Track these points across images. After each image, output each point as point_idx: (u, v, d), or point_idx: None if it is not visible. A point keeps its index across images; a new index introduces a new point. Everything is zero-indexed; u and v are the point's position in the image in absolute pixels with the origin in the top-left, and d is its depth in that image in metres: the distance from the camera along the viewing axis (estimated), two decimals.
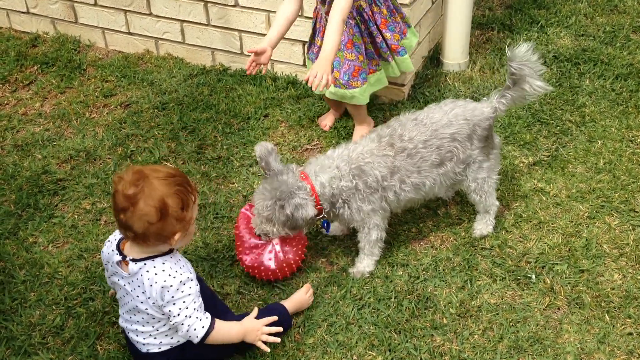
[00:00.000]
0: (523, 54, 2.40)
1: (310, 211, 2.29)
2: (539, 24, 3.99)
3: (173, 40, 3.84)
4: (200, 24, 3.70)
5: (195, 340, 2.02)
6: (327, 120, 3.25)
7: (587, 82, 3.49)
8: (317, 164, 2.42)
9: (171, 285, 1.95)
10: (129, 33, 3.94)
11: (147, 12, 3.80)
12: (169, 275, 1.97)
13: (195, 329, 2.00)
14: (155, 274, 1.98)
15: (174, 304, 1.96)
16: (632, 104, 3.32)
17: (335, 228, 2.69)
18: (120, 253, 2.04)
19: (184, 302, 1.97)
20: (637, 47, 3.76)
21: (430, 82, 3.50)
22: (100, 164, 3.13)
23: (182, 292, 1.96)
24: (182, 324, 1.98)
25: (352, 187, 2.36)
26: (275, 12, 3.41)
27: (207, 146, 3.20)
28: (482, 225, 2.61)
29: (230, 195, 2.91)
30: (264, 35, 3.53)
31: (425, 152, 2.38)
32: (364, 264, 2.52)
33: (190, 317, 1.98)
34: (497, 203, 2.61)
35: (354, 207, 2.39)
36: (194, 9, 3.66)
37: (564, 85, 3.46)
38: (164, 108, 3.47)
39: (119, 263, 2.04)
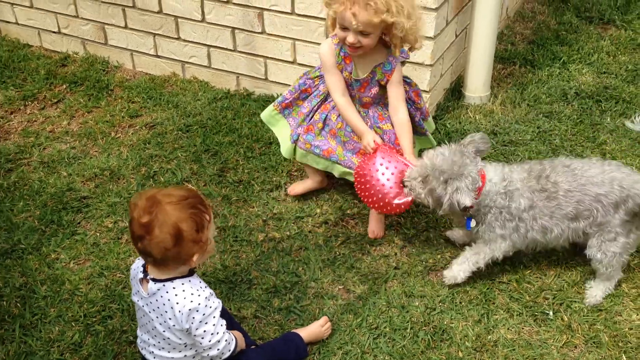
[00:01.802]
0: None
1: (467, 201, 2.31)
2: (561, 60, 4.02)
3: (199, 64, 3.92)
4: (226, 49, 3.77)
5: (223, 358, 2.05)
6: (300, 187, 3.08)
7: (609, 119, 3.50)
8: (496, 171, 2.43)
9: (199, 304, 1.97)
10: (157, 56, 4.02)
11: (176, 37, 3.88)
12: (192, 294, 1.99)
13: (223, 352, 2.02)
14: (176, 295, 2.00)
15: (206, 323, 1.98)
16: None
17: (459, 236, 2.73)
18: (144, 271, 2.07)
19: (213, 321, 1.99)
20: None
21: (451, 114, 3.53)
22: (124, 183, 3.18)
23: (210, 307, 1.98)
24: (211, 348, 2.01)
25: (503, 206, 2.39)
26: (301, 40, 3.48)
27: (229, 169, 3.24)
28: (599, 292, 2.49)
29: (249, 219, 2.95)
30: (289, 62, 3.60)
31: (563, 200, 2.37)
32: (458, 268, 2.53)
33: (219, 341, 2.01)
34: (621, 274, 2.51)
35: (490, 224, 2.43)
36: (221, 35, 3.73)
37: (585, 122, 3.47)
38: (188, 130, 3.53)
39: (140, 281, 2.07)
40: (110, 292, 2.60)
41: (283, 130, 2.92)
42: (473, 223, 2.46)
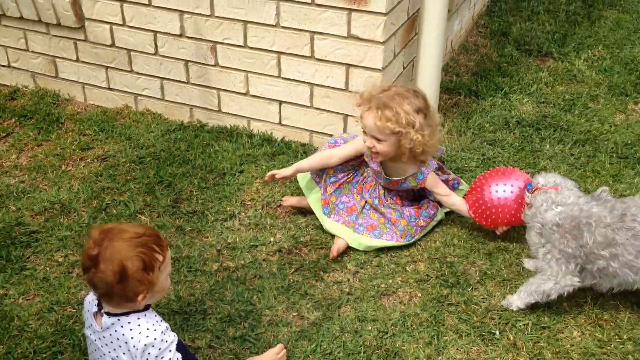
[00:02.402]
0: None
1: (549, 215, 2.48)
2: (503, 91, 4.20)
3: (152, 96, 3.95)
4: (180, 81, 3.82)
5: None
6: (294, 200, 3.22)
7: (548, 146, 3.67)
8: (571, 192, 2.53)
9: (154, 339, 1.97)
10: (109, 88, 4.04)
11: (128, 69, 3.91)
12: (147, 329, 2.00)
13: None
14: (131, 330, 1.99)
15: (162, 357, 1.98)
16: (589, 168, 3.49)
17: (532, 264, 2.79)
18: (99, 304, 2.07)
19: (169, 355, 1.99)
20: (594, 115, 3.97)
21: None
22: (75, 216, 3.17)
23: (166, 342, 1.99)
24: None
25: (558, 224, 2.47)
26: (254, 72, 3.56)
27: (183, 200, 3.26)
28: None
29: (204, 249, 2.97)
30: (242, 94, 3.67)
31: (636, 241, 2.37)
32: (513, 298, 2.60)
33: None
34: None
35: (552, 252, 2.49)
36: (175, 68, 3.78)
37: (526, 149, 3.63)
38: (141, 162, 3.54)
39: (94, 314, 2.07)
40: (60, 328, 2.58)
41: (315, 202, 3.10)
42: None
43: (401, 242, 2.90)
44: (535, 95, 4.18)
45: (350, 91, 3.40)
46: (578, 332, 2.54)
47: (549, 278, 2.49)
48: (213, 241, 3.01)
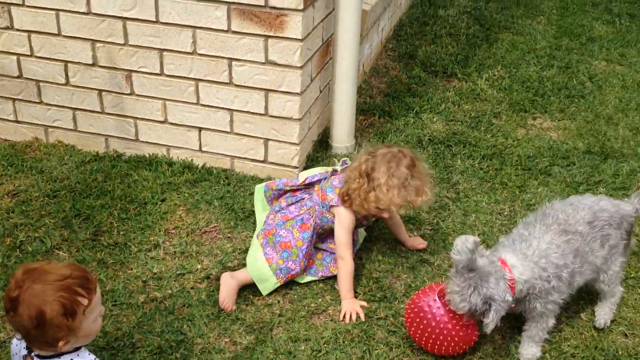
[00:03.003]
0: None
1: (509, 297, 2.31)
2: (414, 110, 4.38)
3: (64, 127, 3.84)
4: (93, 111, 3.74)
5: None
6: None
7: (459, 162, 3.86)
8: (516, 255, 2.39)
9: None
10: (17, 121, 3.89)
11: (38, 101, 3.79)
12: None
13: None
14: None
15: None
16: (497, 180, 3.70)
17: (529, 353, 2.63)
18: (28, 346, 1.99)
19: None
20: (498, 131, 4.21)
21: (320, 164, 3.72)
22: None
23: None
24: None
25: (550, 287, 2.39)
26: (171, 99, 3.55)
27: (103, 233, 3.19)
28: (607, 312, 2.67)
29: (128, 281, 2.91)
30: (160, 122, 3.64)
31: (592, 232, 2.49)
32: (534, 350, 2.53)
33: None
34: (622, 289, 2.73)
35: (542, 300, 2.41)
36: (88, 97, 3.70)
37: (440, 165, 3.80)
38: (55, 196, 3.43)
39: (24, 357, 1.99)
40: None
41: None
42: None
43: (335, 272, 2.93)
44: (444, 114, 4.38)
45: (270, 116, 3.45)
46: (499, 335, 2.68)
47: (551, 317, 2.52)
48: (138, 272, 2.96)
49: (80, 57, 3.61)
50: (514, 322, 2.68)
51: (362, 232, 3.18)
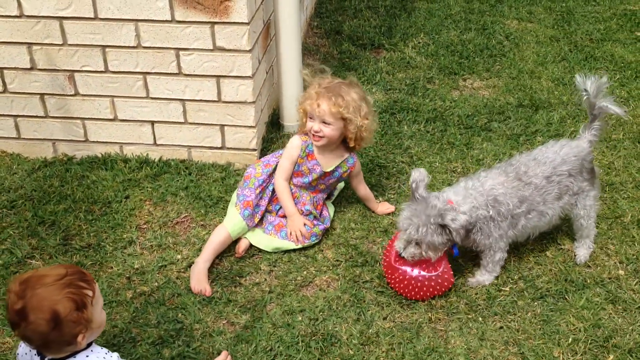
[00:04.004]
0: (600, 89, 2.78)
1: (463, 218, 2.57)
2: None
3: (6, 136, 3.71)
4: (37, 116, 3.63)
5: None
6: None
7: (406, 127, 4.04)
8: (456, 193, 2.68)
9: None
10: None
11: None
12: None
13: None
14: None
15: None
16: (444, 141, 3.91)
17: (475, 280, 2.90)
18: (39, 353, 1.99)
19: None
20: (435, 95, 4.43)
21: (276, 144, 3.80)
22: None
23: None
24: None
25: (488, 215, 2.66)
26: (120, 96, 3.51)
27: (73, 236, 3.14)
28: (585, 251, 2.95)
29: (112, 280, 2.90)
30: (110, 120, 3.59)
31: (549, 186, 2.76)
32: (485, 277, 2.84)
33: None
34: (596, 229, 2.98)
35: (485, 232, 2.70)
36: (29, 103, 3.59)
37: (389, 133, 3.97)
38: (13, 206, 3.33)
39: None
40: None
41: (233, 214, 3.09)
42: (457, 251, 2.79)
43: (306, 243, 3.05)
44: (381, 84, 4.55)
45: (223, 102, 3.49)
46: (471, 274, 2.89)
47: (498, 251, 2.79)
48: (119, 270, 2.95)
49: (16, 62, 3.49)
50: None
51: (330, 206, 3.29)
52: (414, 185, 2.67)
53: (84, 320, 1.91)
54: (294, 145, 3.10)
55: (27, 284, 1.89)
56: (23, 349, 2.05)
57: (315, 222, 3.10)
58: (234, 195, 3.16)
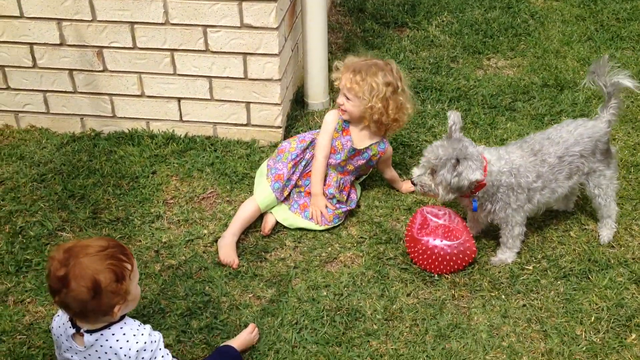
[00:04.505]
0: (605, 67, 2.79)
1: (478, 175, 2.59)
2: None
3: (36, 111, 3.77)
4: (65, 92, 3.69)
5: None
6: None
7: (429, 106, 4.04)
8: (490, 153, 2.74)
9: (145, 342, 2.01)
10: None
11: (4, 86, 3.70)
12: (134, 335, 2.03)
13: None
14: (118, 341, 2.02)
15: (155, 358, 2.02)
16: (468, 120, 3.91)
17: (473, 228, 2.98)
18: (74, 325, 2.05)
19: (161, 353, 2.04)
20: (459, 74, 4.41)
21: (300, 122, 3.82)
22: None
23: (154, 342, 2.03)
24: None
25: (511, 184, 2.71)
26: (147, 72, 3.55)
27: (102, 210, 3.21)
28: (608, 231, 2.98)
29: (141, 253, 2.96)
30: (137, 96, 3.64)
31: (560, 166, 2.80)
32: (506, 255, 2.86)
33: None
34: (617, 208, 2.98)
35: (504, 202, 2.74)
36: (58, 78, 3.65)
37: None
38: (43, 180, 3.40)
39: (73, 336, 2.05)
40: (16, 356, 2.48)
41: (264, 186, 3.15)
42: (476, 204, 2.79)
43: (329, 225, 3.08)
44: (404, 63, 4.54)
45: (249, 79, 3.51)
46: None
47: (516, 225, 2.82)
48: (148, 243, 3.01)
49: (46, 38, 3.54)
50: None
51: (358, 187, 3.32)
52: (453, 127, 2.69)
53: (122, 292, 1.98)
54: (330, 120, 3.15)
55: (70, 252, 1.95)
56: (57, 322, 2.12)
57: (338, 205, 3.12)
58: (263, 167, 3.21)
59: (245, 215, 3.03)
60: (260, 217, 3.12)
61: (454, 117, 2.71)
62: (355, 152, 3.15)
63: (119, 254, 2.01)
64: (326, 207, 3.07)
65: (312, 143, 3.19)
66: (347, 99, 3.06)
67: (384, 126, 3.12)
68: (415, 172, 2.77)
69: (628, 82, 2.82)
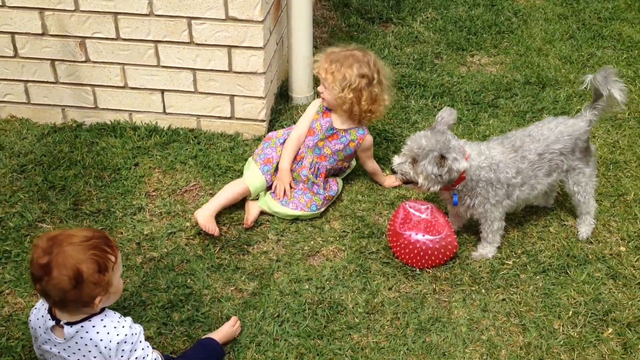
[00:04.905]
0: (611, 77, 2.82)
1: (465, 164, 2.63)
2: None
3: (16, 101, 3.73)
4: (47, 82, 3.65)
5: None
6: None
7: (413, 102, 4.06)
8: (471, 148, 2.76)
9: (125, 335, 2.00)
10: None
11: None
12: (115, 327, 2.02)
13: None
14: (98, 333, 2.01)
15: (135, 350, 2.01)
16: None
17: (453, 223, 2.98)
18: (53, 317, 2.04)
19: (141, 346, 2.04)
20: (442, 70, 4.44)
21: (284, 116, 3.82)
22: None
23: (135, 334, 2.03)
24: None
25: (490, 179, 2.73)
26: (130, 64, 3.53)
27: (83, 202, 3.18)
28: (586, 227, 3.01)
29: (122, 245, 2.95)
30: (120, 87, 3.61)
31: (540, 163, 2.82)
32: (487, 250, 2.89)
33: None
34: (596, 205, 3.02)
35: (483, 196, 2.76)
36: (40, 68, 3.61)
37: (397, 107, 3.99)
38: (23, 170, 3.37)
39: (52, 328, 2.03)
40: None
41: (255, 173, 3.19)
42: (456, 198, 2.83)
43: (306, 212, 3.09)
44: (389, 58, 4.55)
45: (234, 72, 3.50)
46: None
47: (495, 220, 2.85)
48: (129, 235, 3.00)
49: (28, 28, 3.50)
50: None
51: (340, 182, 3.33)
52: (439, 119, 2.73)
53: (104, 283, 1.97)
54: (313, 103, 3.29)
55: (54, 240, 1.94)
56: (34, 314, 2.10)
57: (315, 188, 3.13)
58: (249, 161, 3.27)
59: (232, 194, 3.07)
60: (242, 207, 3.12)
61: (445, 113, 2.74)
62: (333, 133, 3.19)
63: (103, 245, 2.00)
64: (290, 185, 3.13)
65: None
66: (325, 86, 3.15)
67: (357, 116, 3.16)
68: (396, 160, 2.79)
69: (617, 95, 2.85)
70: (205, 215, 2.95)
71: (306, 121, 3.23)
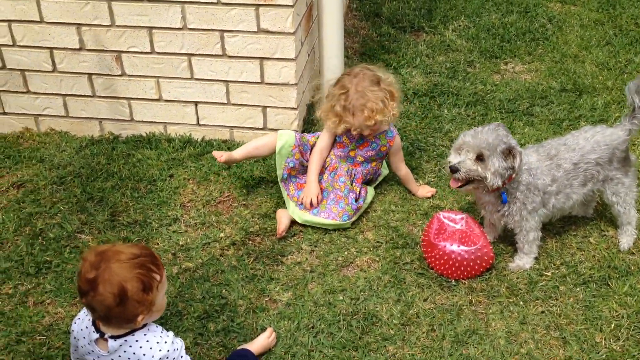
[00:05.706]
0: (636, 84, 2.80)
1: (527, 158, 2.69)
2: (393, 67, 4.51)
3: (55, 114, 3.81)
4: (85, 96, 3.72)
5: None
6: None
7: (446, 111, 4.03)
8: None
9: (167, 350, 2.02)
10: (4, 113, 3.84)
11: (24, 90, 3.75)
12: (157, 342, 2.03)
13: None
14: (141, 347, 2.02)
15: None
16: None
17: (487, 232, 2.96)
18: (97, 330, 2.06)
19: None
20: (475, 79, 4.40)
21: (317, 126, 3.82)
22: (10, 246, 3.03)
23: (177, 349, 2.04)
24: None
25: (529, 183, 2.73)
26: (164, 77, 3.58)
27: (120, 213, 3.23)
28: (628, 238, 2.96)
29: (159, 255, 2.97)
30: (155, 100, 3.66)
31: (574, 172, 2.79)
32: (524, 260, 2.85)
33: None
34: (637, 215, 2.97)
35: (520, 202, 2.74)
36: (77, 82, 3.68)
37: (429, 116, 3.96)
38: (63, 182, 3.43)
39: (96, 341, 2.06)
40: (36, 356, 2.50)
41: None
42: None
43: (337, 221, 3.08)
44: (421, 67, 4.53)
45: (266, 83, 3.52)
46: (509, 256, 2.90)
47: (530, 230, 2.81)
48: (165, 246, 3.03)
49: (65, 43, 3.58)
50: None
51: (370, 190, 3.32)
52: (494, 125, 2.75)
53: (147, 302, 1.98)
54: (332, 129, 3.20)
55: (102, 256, 1.96)
56: (78, 325, 2.13)
57: (350, 197, 3.13)
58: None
59: (259, 143, 3.22)
60: (274, 217, 3.13)
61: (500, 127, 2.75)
62: (363, 142, 3.20)
63: (150, 263, 2.01)
64: (317, 196, 3.13)
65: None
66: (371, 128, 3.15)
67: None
68: (454, 158, 2.74)
69: None
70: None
71: (329, 136, 3.22)
